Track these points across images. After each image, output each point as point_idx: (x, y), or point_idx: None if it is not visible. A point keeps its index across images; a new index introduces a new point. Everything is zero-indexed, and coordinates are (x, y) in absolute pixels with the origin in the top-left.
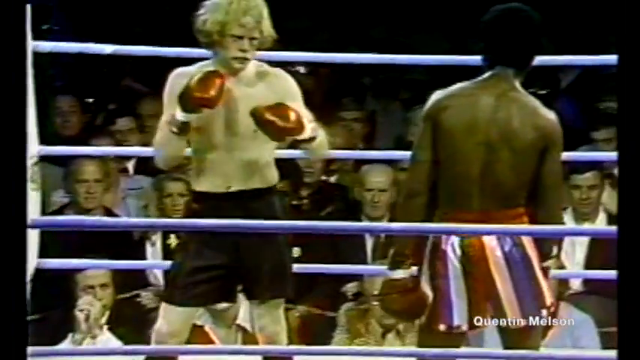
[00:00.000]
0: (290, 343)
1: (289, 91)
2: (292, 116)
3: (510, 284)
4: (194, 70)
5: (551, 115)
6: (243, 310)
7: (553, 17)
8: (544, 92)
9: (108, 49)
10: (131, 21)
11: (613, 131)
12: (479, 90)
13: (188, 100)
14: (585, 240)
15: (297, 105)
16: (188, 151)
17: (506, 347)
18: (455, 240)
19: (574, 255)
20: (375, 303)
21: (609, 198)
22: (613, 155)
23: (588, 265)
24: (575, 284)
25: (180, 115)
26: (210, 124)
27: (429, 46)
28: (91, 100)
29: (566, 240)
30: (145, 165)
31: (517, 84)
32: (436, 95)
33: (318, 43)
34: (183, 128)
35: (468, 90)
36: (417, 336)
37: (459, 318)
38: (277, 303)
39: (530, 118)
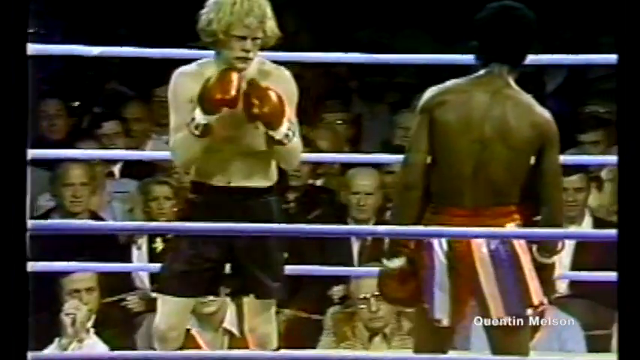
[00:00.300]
0: (277, 346)
1: (287, 93)
2: (269, 107)
3: (495, 282)
4: (196, 68)
5: (547, 114)
6: (230, 313)
7: (545, 19)
8: (530, 95)
9: (95, 50)
10: (117, 23)
11: (600, 134)
12: (474, 87)
13: (210, 102)
14: (572, 242)
15: (288, 109)
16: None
17: (492, 347)
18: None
19: (560, 258)
20: (376, 293)
21: (595, 201)
22: (600, 159)
23: (574, 269)
24: (562, 287)
25: (201, 118)
26: (215, 120)
27: (414, 48)
28: (77, 103)
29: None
30: (131, 168)
31: (511, 81)
32: (431, 91)
33: (302, 46)
34: (205, 130)
35: (462, 87)
36: (413, 326)
37: (440, 312)
38: (269, 303)
39: (526, 116)
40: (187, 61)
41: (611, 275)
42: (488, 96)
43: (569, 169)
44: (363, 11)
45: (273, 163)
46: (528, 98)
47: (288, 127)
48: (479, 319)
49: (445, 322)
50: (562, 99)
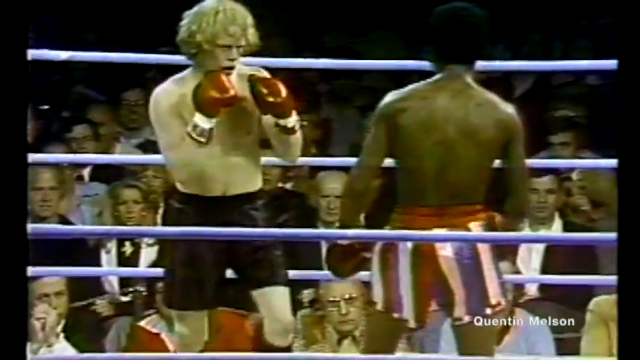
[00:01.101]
0: (246, 350)
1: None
2: (283, 94)
3: (459, 281)
4: (173, 85)
5: (510, 109)
6: None
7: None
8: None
9: (63, 54)
10: (84, 28)
11: (570, 135)
12: (434, 90)
13: (209, 104)
14: (541, 246)
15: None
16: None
17: (458, 346)
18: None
19: (530, 261)
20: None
21: (565, 206)
22: (572, 162)
23: (544, 272)
24: (531, 290)
25: (204, 122)
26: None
27: (382, 51)
28: (46, 107)
29: (523, 246)
30: (100, 172)
31: (471, 80)
32: (390, 97)
33: (271, 50)
34: (210, 136)
35: (422, 91)
36: (371, 320)
37: (409, 311)
38: (282, 293)
39: (489, 114)
40: (154, 65)
41: (580, 279)
42: (449, 98)
43: (541, 170)
44: (330, 14)
45: (260, 168)
46: (491, 96)
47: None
48: (443, 318)
49: (412, 323)
50: (531, 103)
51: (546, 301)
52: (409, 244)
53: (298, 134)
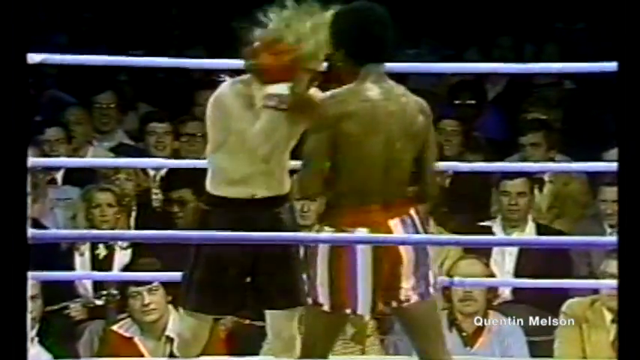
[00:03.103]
0: (218, 354)
1: None
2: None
3: (413, 267)
4: (229, 89)
5: (421, 99)
6: (173, 320)
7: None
8: (472, 103)
9: (36, 57)
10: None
11: (540, 136)
12: (363, 91)
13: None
14: (515, 249)
15: None
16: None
17: (409, 329)
18: (363, 231)
19: (503, 264)
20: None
21: (537, 208)
22: (542, 165)
23: (518, 275)
24: (505, 293)
25: (281, 89)
26: (245, 131)
27: None
28: None
29: (496, 249)
30: (73, 175)
31: (386, 76)
32: (329, 103)
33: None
34: (287, 101)
35: (355, 94)
36: (305, 314)
37: (363, 306)
38: (293, 313)
39: (414, 106)
40: (129, 68)
41: (554, 282)
42: (382, 97)
43: (513, 173)
44: None
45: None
46: (403, 88)
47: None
48: (390, 304)
49: (367, 318)
50: (503, 106)
51: (520, 303)
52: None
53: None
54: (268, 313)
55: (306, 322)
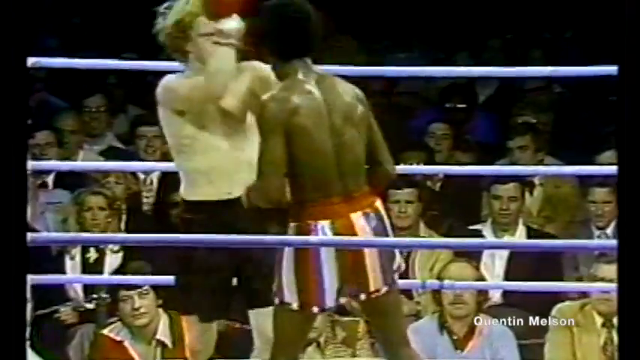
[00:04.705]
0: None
1: (258, 68)
2: None
3: (376, 256)
4: (179, 80)
5: (353, 85)
6: (163, 324)
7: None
8: (462, 106)
9: (29, 60)
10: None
11: (527, 139)
12: (299, 85)
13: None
14: (505, 252)
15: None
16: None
17: (372, 317)
18: (325, 224)
19: (494, 267)
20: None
21: (527, 211)
22: (534, 168)
23: (508, 278)
24: (495, 296)
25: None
26: (208, 126)
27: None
28: None
29: (486, 252)
30: (63, 179)
31: (317, 69)
32: (273, 101)
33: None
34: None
35: (295, 88)
36: (274, 315)
37: (330, 300)
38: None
39: (351, 93)
40: (119, 71)
41: (544, 285)
42: (315, 87)
43: (505, 177)
44: None
45: None
46: (337, 77)
47: None
48: (359, 297)
49: (333, 308)
50: (494, 109)
51: (510, 306)
52: (329, 233)
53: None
54: (253, 314)
55: (275, 322)
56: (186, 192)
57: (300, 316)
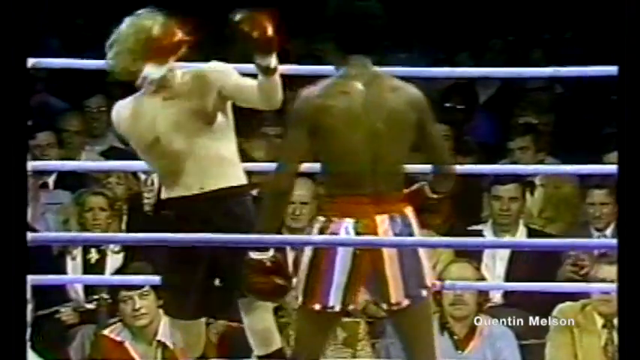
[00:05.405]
0: (210, 357)
1: (223, 72)
2: (269, 31)
3: (398, 265)
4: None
5: (417, 90)
6: (164, 325)
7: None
8: (462, 107)
9: (29, 61)
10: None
11: (527, 139)
12: (348, 83)
13: (157, 50)
14: (506, 253)
15: (236, 77)
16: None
17: (399, 333)
18: (349, 222)
19: (494, 268)
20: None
21: (528, 212)
22: (535, 167)
23: (509, 279)
24: (496, 297)
25: (153, 72)
26: (166, 134)
27: None
28: None
29: (487, 252)
30: (64, 180)
31: (375, 68)
32: (306, 97)
33: (238, 56)
34: (160, 84)
35: (337, 86)
36: (296, 315)
37: (334, 299)
38: (267, 305)
39: (403, 97)
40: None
41: (544, 286)
42: (365, 88)
43: (505, 178)
44: (295, 21)
45: (239, 164)
46: (398, 81)
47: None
48: (380, 306)
49: (337, 309)
50: (495, 109)
51: (511, 307)
52: (352, 232)
53: (278, 76)
54: (242, 308)
55: (295, 323)
56: (163, 191)
57: (309, 312)
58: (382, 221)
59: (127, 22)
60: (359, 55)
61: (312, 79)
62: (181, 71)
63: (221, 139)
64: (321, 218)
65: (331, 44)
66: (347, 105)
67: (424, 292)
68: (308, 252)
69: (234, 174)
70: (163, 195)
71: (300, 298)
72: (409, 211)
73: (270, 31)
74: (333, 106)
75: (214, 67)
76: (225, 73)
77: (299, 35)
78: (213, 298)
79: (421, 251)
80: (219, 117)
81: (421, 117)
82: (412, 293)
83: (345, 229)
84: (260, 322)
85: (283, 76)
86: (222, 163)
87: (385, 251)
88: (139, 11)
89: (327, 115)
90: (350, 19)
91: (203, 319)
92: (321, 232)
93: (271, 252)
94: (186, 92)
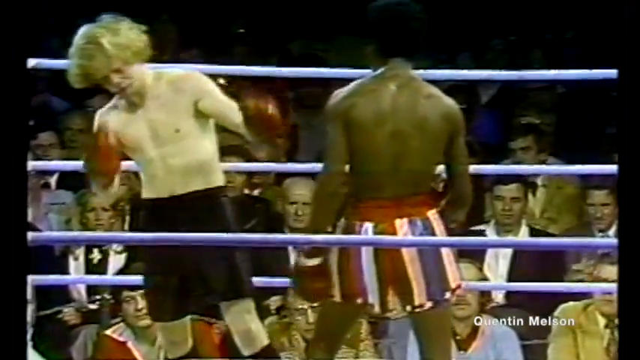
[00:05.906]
0: (213, 357)
1: (202, 88)
2: (276, 124)
3: (419, 267)
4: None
5: (453, 102)
6: None
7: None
8: (464, 107)
9: (30, 62)
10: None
11: (529, 140)
12: (381, 84)
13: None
14: (508, 253)
15: (215, 98)
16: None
17: (419, 334)
18: (369, 226)
19: (497, 268)
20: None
21: (530, 212)
22: (537, 167)
23: (511, 279)
24: (498, 297)
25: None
26: (138, 142)
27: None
28: None
29: (490, 253)
30: (66, 180)
31: (413, 73)
32: (339, 95)
33: (237, 57)
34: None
35: (370, 85)
36: (321, 309)
37: (373, 296)
38: (245, 302)
39: (436, 106)
40: None
41: (547, 286)
42: (396, 91)
43: (507, 178)
44: (296, 21)
45: (216, 166)
46: (434, 89)
47: None
48: (403, 305)
49: (377, 309)
50: (496, 110)
51: (513, 307)
52: (370, 233)
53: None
54: (224, 310)
55: (319, 313)
56: (143, 190)
57: (342, 306)
58: (401, 225)
59: (92, 29)
60: (399, 58)
61: (311, 80)
62: (155, 74)
63: (195, 144)
64: (343, 221)
65: (372, 47)
66: (375, 102)
67: (447, 295)
68: (334, 250)
69: (207, 177)
70: (142, 194)
71: (339, 296)
72: (432, 214)
73: (277, 130)
74: (362, 102)
75: (191, 76)
76: (204, 88)
77: (299, 35)
78: (191, 299)
79: (444, 253)
80: (194, 122)
81: (453, 129)
82: (435, 296)
83: (366, 231)
84: (242, 324)
85: (283, 77)
86: (193, 169)
87: (405, 253)
88: (103, 16)
89: (355, 110)
90: (392, 23)
91: (186, 318)
92: (345, 233)
93: (320, 258)
94: (158, 99)
